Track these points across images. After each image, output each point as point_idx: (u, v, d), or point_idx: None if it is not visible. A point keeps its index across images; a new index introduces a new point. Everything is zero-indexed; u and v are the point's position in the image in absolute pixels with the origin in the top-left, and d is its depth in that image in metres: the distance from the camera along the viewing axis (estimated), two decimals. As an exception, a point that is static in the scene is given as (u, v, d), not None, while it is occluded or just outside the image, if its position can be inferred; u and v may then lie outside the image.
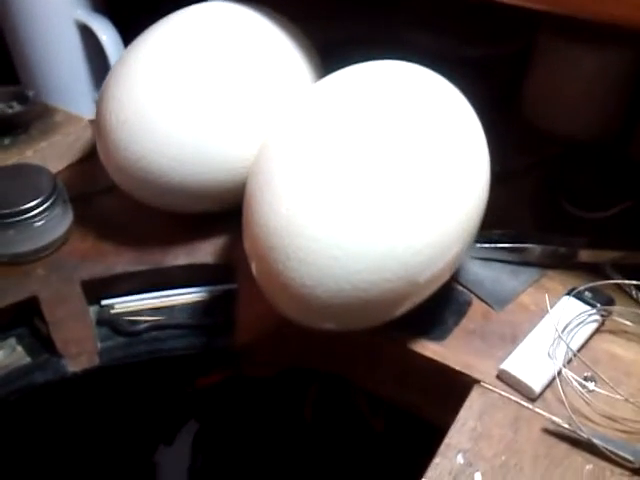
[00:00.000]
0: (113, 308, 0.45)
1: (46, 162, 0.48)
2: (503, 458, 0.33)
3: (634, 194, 0.47)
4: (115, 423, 0.60)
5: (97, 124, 0.42)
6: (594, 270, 0.42)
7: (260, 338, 0.43)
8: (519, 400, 0.35)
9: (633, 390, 0.35)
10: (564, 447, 0.33)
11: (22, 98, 0.52)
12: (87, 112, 0.53)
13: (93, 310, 0.45)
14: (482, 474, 0.32)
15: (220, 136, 0.40)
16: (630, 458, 0.32)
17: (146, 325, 0.44)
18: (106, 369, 0.43)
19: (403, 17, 0.54)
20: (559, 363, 0.36)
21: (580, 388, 0.35)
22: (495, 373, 0.36)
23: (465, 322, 0.39)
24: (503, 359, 0.37)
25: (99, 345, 0.43)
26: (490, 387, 0.36)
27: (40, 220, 0.43)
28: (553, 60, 0.51)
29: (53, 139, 0.51)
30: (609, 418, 0.34)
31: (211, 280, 0.45)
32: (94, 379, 0.44)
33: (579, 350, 0.37)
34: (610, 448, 0.32)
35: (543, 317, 0.39)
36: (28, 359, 0.42)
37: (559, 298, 0.40)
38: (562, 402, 0.34)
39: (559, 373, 0.35)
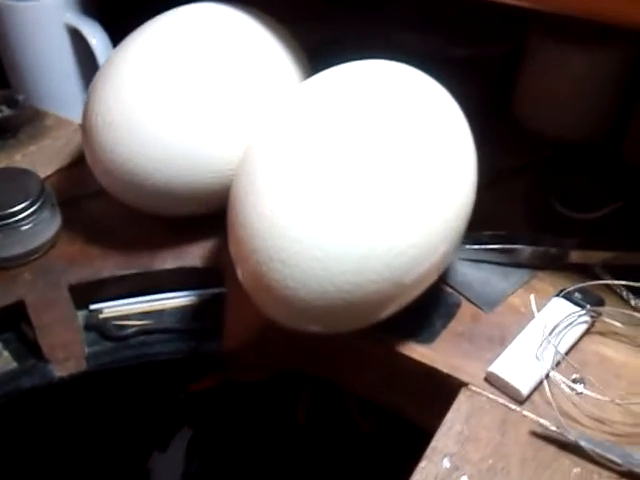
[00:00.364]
0: (101, 313, 0.45)
1: (35, 166, 0.48)
2: (490, 462, 0.32)
3: (625, 195, 0.47)
4: (109, 429, 0.60)
5: (83, 126, 0.42)
6: (585, 271, 0.41)
7: (248, 342, 0.43)
8: (507, 403, 0.35)
9: (623, 392, 0.35)
10: (552, 450, 0.33)
11: (12, 102, 0.51)
12: (77, 116, 0.52)
13: (82, 315, 0.44)
14: (468, 478, 0.32)
15: (207, 138, 0.40)
16: (618, 461, 0.31)
17: (134, 330, 0.44)
18: (95, 374, 0.43)
19: (392, 17, 0.53)
20: (547, 365, 0.35)
21: (568, 390, 0.35)
22: (483, 376, 0.36)
23: (454, 324, 0.39)
24: (491, 361, 0.36)
25: (87, 350, 0.43)
26: (478, 390, 0.35)
27: (27, 224, 0.43)
28: (543, 61, 0.51)
29: (43, 143, 0.50)
30: (598, 421, 0.34)
31: (200, 284, 0.45)
32: (86, 385, 0.44)
33: (568, 351, 0.37)
34: (598, 451, 0.32)
35: (532, 319, 0.38)
36: (15, 364, 0.42)
37: (549, 299, 0.39)
38: (550, 405, 0.34)
39: (547, 376, 0.35)
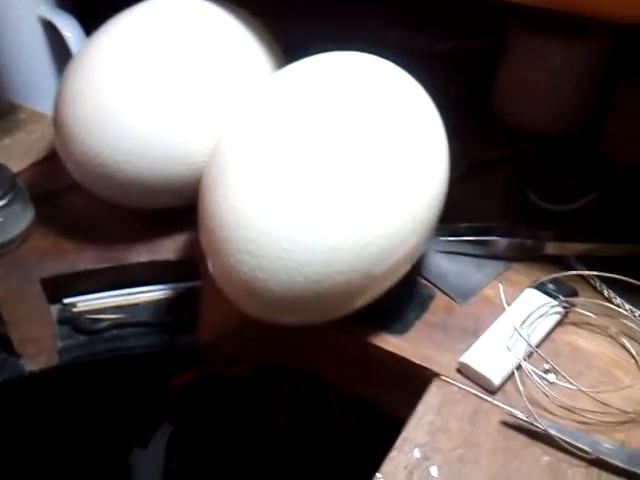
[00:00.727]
0: (75, 306, 0.44)
1: (9, 160, 0.47)
2: (460, 451, 0.32)
3: (601, 187, 0.47)
4: (88, 424, 0.59)
5: (55, 118, 0.42)
6: (560, 262, 0.42)
7: (223, 335, 0.42)
8: (478, 393, 0.35)
9: (594, 382, 0.35)
10: (522, 439, 0.33)
11: (-15, 96, 0.51)
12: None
13: (55, 309, 0.44)
14: (438, 468, 0.32)
15: (179, 130, 0.40)
16: (587, 449, 0.31)
17: (108, 323, 0.43)
18: (68, 368, 0.43)
19: (371, 11, 0.53)
20: (519, 356, 0.35)
21: (539, 381, 0.35)
22: (455, 366, 0.36)
23: (427, 316, 0.39)
24: (464, 352, 0.36)
25: (59, 344, 0.42)
26: (450, 380, 0.35)
27: (-2, 217, 0.42)
28: (520, 53, 0.51)
29: (17, 137, 0.50)
30: (568, 410, 0.34)
31: (175, 277, 0.45)
32: (60, 379, 0.43)
33: (541, 342, 0.37)
34: (567, 439, 0.32)
35: (505, 310, 0.38)
36: (-15, 359, 0.42)
37: (523, 291, 0.39)
38: (521, 394, 0.34)
39: (519, 366, 0.35)
